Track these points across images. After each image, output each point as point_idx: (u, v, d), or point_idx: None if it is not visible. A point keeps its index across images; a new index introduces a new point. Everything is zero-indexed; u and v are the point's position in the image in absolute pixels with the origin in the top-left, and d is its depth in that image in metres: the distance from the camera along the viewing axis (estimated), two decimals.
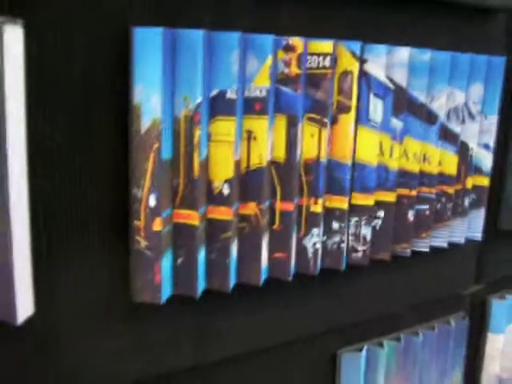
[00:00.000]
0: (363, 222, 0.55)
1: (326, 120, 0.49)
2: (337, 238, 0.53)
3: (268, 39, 0.44)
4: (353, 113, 0.50)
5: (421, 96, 0.55)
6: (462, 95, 0.59)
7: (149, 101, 0.40)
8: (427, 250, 0.61)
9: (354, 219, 0.55)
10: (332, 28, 0.52)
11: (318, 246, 0.52)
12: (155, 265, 0.43)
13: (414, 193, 0.58)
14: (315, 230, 0.51)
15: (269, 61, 0.44)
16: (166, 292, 0.45)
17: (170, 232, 0.44)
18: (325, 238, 0.53)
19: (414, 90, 0.55)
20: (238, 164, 0.46)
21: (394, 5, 0.56)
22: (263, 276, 0.50)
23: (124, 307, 0.45)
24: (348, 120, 0.50)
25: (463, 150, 0.62)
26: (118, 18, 0.40)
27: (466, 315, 0.71)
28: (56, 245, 0.41)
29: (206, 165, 0.45)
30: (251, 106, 0.45)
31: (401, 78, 0.53)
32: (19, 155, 0.36)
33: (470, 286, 0.73)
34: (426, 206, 0.60)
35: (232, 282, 0.48)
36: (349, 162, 0.51)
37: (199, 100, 0.42)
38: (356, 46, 0.49)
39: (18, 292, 0.37)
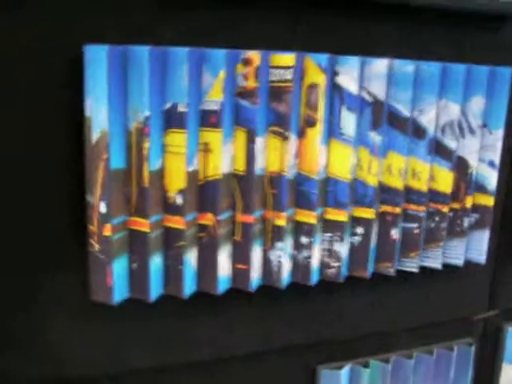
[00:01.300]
0: (336, 238, 0.54)
1: (287, 133, 0.48)
2: (306, 253, 0.53)
3: (220, 54, 0.45)
4: (319, 126, 0.49)
5: (404, 109, 0.53)
6: (456, 108, 0.55)
7: (98, 114, 0.43)
8: (416, 270, 0.58)
9: (327, 234, 0.54)
10: (320, 41, 0.52)
11: (283, 259, 0.51)
12: (107, 268, 0.46)
13: (398, 210, 0.55)
14: (279, 244, 0.51)
15: (221, 75, 0.45)
16: (121, 294, 0.47)
17: (123, 238, 0.47)
18: (295, 252, 0.53)
19: (398, 103, 0.53)
20: (193, 175, 0.47)
21: (392, 16, 0.54)
22: (223, 285, 0.50)
23: (85, 306, 0.48)
24: (315, 134, 0.50)
25: (462, 167, 0.58)
26: (77, 36, 0.43)
27: (473, 342, 0.67)
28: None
29: (159, 175, 0.46)
30: (207, 119, 0.46)
31: (379, 90, 0.51)
32: None
33: (483, 311, 0.68)
34: (415, 225, 0.57)
35: (189, 289, 0.49)
36: (316, 176, 0.50)
37: (147, 113, 0.44)
38: (322, 58, 0.48)
39: None
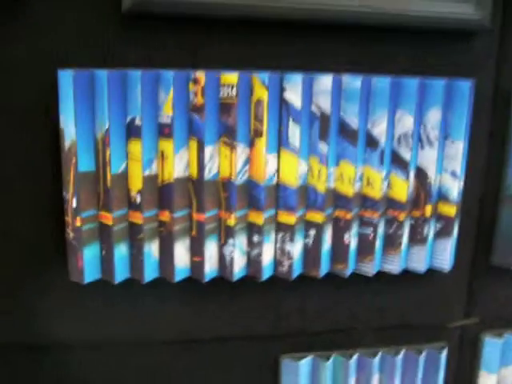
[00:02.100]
0: (287, 239, 0.59)
1: (235, 143, 0.55)
2: (257, 251, 0.59)
3: (169, 75, 0.52)
4: (264, 137, 0.55)
5: (354, 122, 0.57)
6: (410, 120, 0.58)
7: (68, 126, 0.53)
8: (371, 274, 0.62)
9: (279, 235, 0.59)
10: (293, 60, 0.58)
11: (234, 255, 0.58)
12: (78, 253, 0.56)
13: (349, 216, 0.59)
14: (231, 241, 0.58)
15: (171, 93, 0.53)
16: (91, 276, 0.57)
17: (93, 229, 0.56)
18: (249, 249, 0.59)
19: (349, 116, 0.57)
20: (151, 178, 0.55)
21: (353, 34, 0.58)
22: (180, 274, 0.58)
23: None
24: (261, 144, 0.56)
25: (421, 177, 0.61)
26: (58, 60, 0.53)
27: (443, 347, 0.68)
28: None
29: (123, 177, 0.55)
30: (162, 131, 0.54)
31: (325, 104, 0.56)
32: None
33: (459, 319, 0.69)
34: (370, 230, 0.61)
35: (149, 275, 0.58)
36: (263, 182, 0.56)
37: (107, 126, 0.53)
38: (265, 76, 0.54)
39: None
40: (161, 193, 0.56)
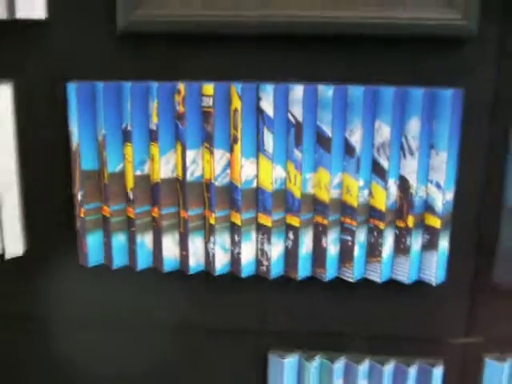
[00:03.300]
0: (265, 240, 0.63)
1: (213, 149, 0.61)
2: (237, 249, 0.64)
3: (154, 86, 0.60)
4: (239, 144, 0.60)
5: (328, 130, 0.59)
6: (387, 130, 0.59)
7: (74, 131, 0.63)
8: (352, 280, 0.63)
9: (260, 236, 0.64)
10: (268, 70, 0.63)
11: (216, 251, 0.64)
12: (82, 240, 0.66)
13: (325, 221, 0.62)
14: (213, 238, 0.64)
15: (155, 103, 0.60)
16: (95, 260, 0.67)
17: (97, 219, 0.66)
18: (232, 247, 0.65)
19: (324, 124, 0.59)
20: (142, 178, 0.63)
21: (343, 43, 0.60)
22: (169, 265, 0.66)
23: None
24: (238, 149, 0.61)
25: (404, 187, 0.61)
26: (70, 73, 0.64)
27: (436, 363, 0.67)
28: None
29: (119, 176, 0.64)
30: (151, 136, 0.62)
31: (298, 113, 0.59)
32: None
33: (459, 336, 0.67)
34: (349, 237, 0.62)
35: (142, 264, 0.66)
36: (240, 185, 0.61)
37: (103, 132, 0.62)
38: (239, 87, 0.59)
39: None
40: (152, 191, 0.64)
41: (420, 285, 0.64)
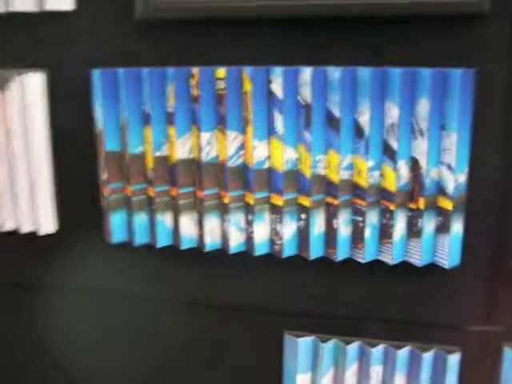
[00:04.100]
0: (278, 220, 0.66)
1: (226, 131, 0.64)
2: (251, 229, 0.67)
3: (169, 72, 0.64)
4: (251, 125, 0.63)
5: (337, 111, 0.61)
6: (396, 111, 0.59)
7: (98, 116, 0.68)
8: (363, 261, 0.65)
9: (273, 215, 0.67)
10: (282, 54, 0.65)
11: (230, 230, 0.67)
12: (106, 218, 0.71)
13: (336, 202, 0.64)
14: (227, 217, 0.67)
15: (172, 87, 0.64)
16: (118, 237, 0.72)
17: (120, 198, 0.71)
18: (247, 226, 0.68)
19: (333, 105, 0.61)
20: (161, 159, 0.68)
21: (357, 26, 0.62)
22: (186, 244, 0.70)
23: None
24: (249, 131, 0.63)
25: (415, 168, 0.61)
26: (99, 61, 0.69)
27: (455, 350, 0.67)
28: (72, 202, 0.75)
29: (140, 157, 0.68)
30: (169, 119, 0.66)
31: (307, 95, 0.61)
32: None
33: (479, 323, 0.67)
34: (361, 218, 0.64)
35: (163, 242, 0.70)
36: (252, 165, 0.64)
37: (125, 115, 0.66)
38: (250, 70, 0.61)
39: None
40: (170, 171, 0.68)
41: (438, 269, 0.65)
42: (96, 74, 0.66)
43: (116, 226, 0.71)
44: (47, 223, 0.75)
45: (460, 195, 0.61)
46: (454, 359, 0.67)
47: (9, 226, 0.75)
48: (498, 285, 0.65)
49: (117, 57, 0.68)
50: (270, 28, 0.64)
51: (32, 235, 0.75)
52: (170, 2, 0.64)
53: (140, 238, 0.71)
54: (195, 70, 0.63)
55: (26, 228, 0.75)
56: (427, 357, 0.67)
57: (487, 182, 0.62)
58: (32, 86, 0.69)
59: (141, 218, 0.71)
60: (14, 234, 0.75)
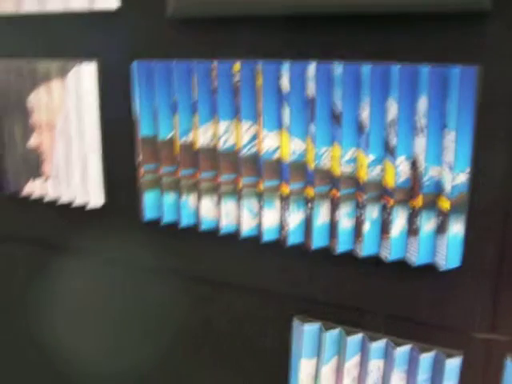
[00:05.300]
0: (285, 208, 0.71)
1: (240, 121, 0.70)
2: (260, 214, 0.73)
3: (190, 65, 0.71)
4: (261, 117, 0.69)
5: (339, 106, 0.64)
6: (395, 107, 0.61)
7: (136, 103, 0.78)
8: (360, 255, 0.67)
9: (281, 204, 0.72)
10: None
11: (243, 214, 0.73)
12: (140, 196, 0.81)
13: (338, 195, 0.67)
14: (240, 202, 0.73)
15: (194, 79, 0.72)
16: (150, 215, 0.82)
17: (154, 178, 0.80)
18: (258, 212, 0.74)
19: (337, 100, 0.65)
20: (187, 145, 0.76)
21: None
22: (205, 225, 0.77)
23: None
24: (260, 122, 0.69)
25: (414, 166, 0.63)
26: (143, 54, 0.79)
27: (455, 355, 0.67)
28: None
29: (169, 143, 0.77)
30: (194, 108, 0.74)
31: (312, 89, 0.65)
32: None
33: (483, 330, 0.66)
34: (360, 212, 0.67)
35: (186, 221, 0.79)
36: (261, 154, 0.70)
37: (157, 103, 0.75)
38: (261, 64, 0.67)
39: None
40: (194, 157, 0.76)
41: (444, 270, 0.66)
42: (135, 66, 0.76)
43: (149, 204, 0.81)
44: (95, 198, 0.87)
45: (460, 195, 0.62)
46: (452, 363, 0.67)
47: (64, 199, 0.88)
48: (503, 289, 0.64)
49: (154, 50, 0.77)
50: (288, 24, 0.69)
51: (82, 208, 0.88)
52: (197, 1, 0.71)
53: (168, 217, 0.80)
54: (214, 65, 0.70)
55: (78, 201, 0.87)
56: (426, 358, 0.68)
57: (491, 182, 0.62)
58: (85, 76, 0.81)
59: (169, 199, 0.80)
60: (68, 205, 0.88)
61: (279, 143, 0.70)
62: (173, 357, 0.89)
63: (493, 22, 0.58)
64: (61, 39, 0.82)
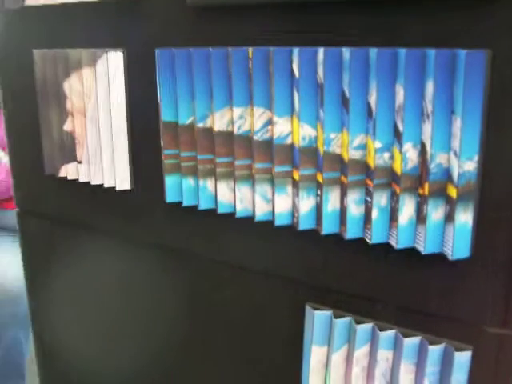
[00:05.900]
0: (296, 193, 0.72)
1: (252, 107, 0.72)
2: (272, 199, 0.74)
3: (207, 52, 0.74)
4: (273, 103, 0.70)
5: (347, 92, 0.65)
6: (401, 93, 0.61)
7: (158, 89, 0.81)
8: (368, 241, 0.68)
9: (294, 189, 0.73)
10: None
11: (256, 199, 0.75)
12: (163, 180, 0.85)
13: (346, 181, 0.67)
14: (254, 187, 0.75)
15: (212, 65, 0.74)
16: (172, 197, 0.85)
17: (174, 163, 0.84)
18: (272, 197, 0.75)
19: (345, 86, 0.65)
20: (205, 130, 0.78)
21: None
22: (222, 208, 0.80)
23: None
24: (272, 108, 0.71)
25: (422, 153, 0.62)
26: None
27: (464, 349, 0.66)
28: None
29: (189, 128, 0.80)
30: (211, 95, 0.76)
31: (321, 75, 0.66)
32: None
33: (495, 324, 0.65)
34: (369, 199, 0.67)
35: (205, 204, 0.82)
36: (273, 140, 0.71)
37: (178, 88, 0.78)
38: (272, 50, 0.68)
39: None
40: (212, 142, 0.79)
41: (456, 260, 0.65)
42: (157, 53, 0.80)
43: (170, 187, 0.85)
44: (123, 180, 0.91)
45: (467, 183, 0.60)
46: (462, 356, 0.66)
47: (96, 181, 0.93)
48: None
49: (176, 37, 0.80)
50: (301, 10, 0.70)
51: (113, 189, 0.93)
52: None
53: (187, 200, 0.84)
54: (229, 51, 0.72)
55: (108, 183, 0.92)
56: (435, 350, 0.68)
57: (502, 170, 0.60)
58: (113, 63, 0.86)
59: (189, 182, 0.83)
60: (99, 187, 0.94)
61: (291, 129, 0.71)
62: (188, 338, 0.93)
63: (503, 5, 0.56)
64: (91, 29, 0.86)
